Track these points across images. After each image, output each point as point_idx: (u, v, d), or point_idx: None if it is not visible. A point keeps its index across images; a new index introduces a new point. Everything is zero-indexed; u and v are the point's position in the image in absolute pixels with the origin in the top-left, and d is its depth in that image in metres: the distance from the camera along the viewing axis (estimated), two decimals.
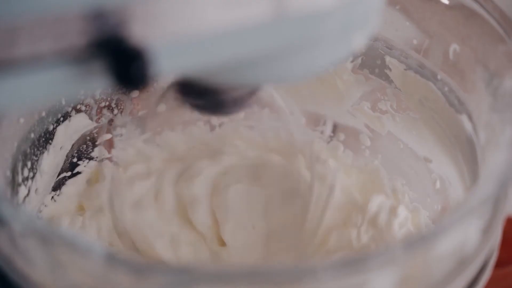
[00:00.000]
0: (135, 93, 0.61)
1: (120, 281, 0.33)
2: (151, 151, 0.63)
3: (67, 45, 0.27)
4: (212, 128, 0.65)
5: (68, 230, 0.37)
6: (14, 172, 0.49)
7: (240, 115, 0.65)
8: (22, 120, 0.50)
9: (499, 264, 0.45)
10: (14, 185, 0.49)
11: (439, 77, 0.53)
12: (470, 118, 0.50)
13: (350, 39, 0.35)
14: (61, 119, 0.56)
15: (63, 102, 0.55)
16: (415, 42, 0.55)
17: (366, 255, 0.35)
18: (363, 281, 0.36)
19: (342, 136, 0.64)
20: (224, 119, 0.65)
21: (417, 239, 0.37)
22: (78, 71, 0.28)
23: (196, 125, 0.65)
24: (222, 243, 0.58)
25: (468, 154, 0.50)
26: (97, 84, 0.28)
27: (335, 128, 0.64)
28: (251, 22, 0.31)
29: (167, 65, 0.29)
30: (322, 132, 0.64)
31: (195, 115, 0.64)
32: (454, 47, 0.51)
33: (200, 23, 0.29)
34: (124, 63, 0.27)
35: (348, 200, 0.60)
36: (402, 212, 0.58)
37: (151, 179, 0.59)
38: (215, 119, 0.65)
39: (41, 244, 0.35)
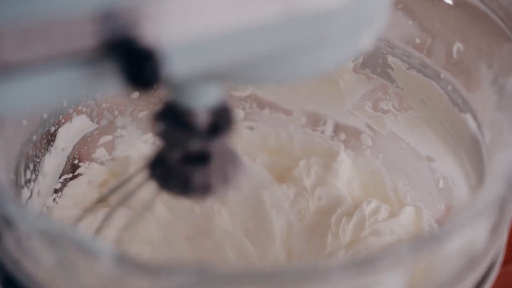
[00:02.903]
0: (135, 94, 0.61)
1: (132, 283, 0.33)
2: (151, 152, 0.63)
3: (78, 46, 0.27)
4: None
5: (78, 231, 0.36)
6: (17, 174, 0.48)
7: (240, 115, 0.65)
8: (25, 122, 0.50)
9: None
10: (17, 187, 0.48)
11: (442, 76, 0.53)
12: (474, 117, 0.50)
13: (358, 38, 0.35)
14: (63, 120, 0.56)
15: (65, 104, 0.55)
16: (417, 41, 0.55)
17: (375, 256, 0.35)
18: (372, 282, 0.36)
19: (343, 136, 0.64)
20: None
21: (426, 240, 0.37)
22: (90, 72, 0.27)
23: None
24: None
25: (472, 153, 0.50)
26: (109, 85, 0.28)
27: (336, 128, 0.64)
28: (260, 21, 0.30)
29: (179, 65, 0.29)
30: (322, 132, 0.64)
31: None
32: (457, 45, 0.51)
33: (210, 22, 0.29)
34: (136, 63, 0.27)
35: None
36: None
37: None
38: None
39: (50, 245, 0.34)
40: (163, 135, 0.36)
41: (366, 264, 0.34)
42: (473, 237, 0.39)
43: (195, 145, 0.36)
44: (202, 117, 0.35)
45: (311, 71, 0.36)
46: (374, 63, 0.59)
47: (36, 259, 0.36)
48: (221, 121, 0.36)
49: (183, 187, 0.37)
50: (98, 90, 0.28)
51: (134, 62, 0.27)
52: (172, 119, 0.35)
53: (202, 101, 0.35)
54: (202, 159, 0.36)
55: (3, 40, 0.26)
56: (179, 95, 0.35)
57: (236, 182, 0.38)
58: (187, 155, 0.36)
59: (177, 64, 0.29)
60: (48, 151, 0.54)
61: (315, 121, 0.64)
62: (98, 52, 0.27)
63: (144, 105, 0.62)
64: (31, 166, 0.51)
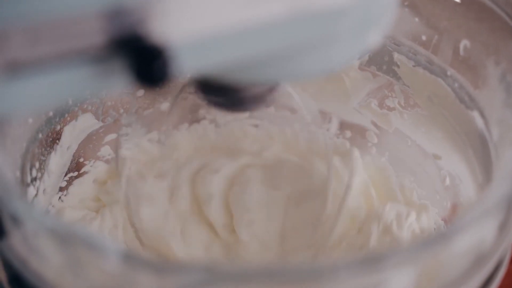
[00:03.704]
0: (140, 92, 0.61)
1: (140, 281, 0.33)
2: (156, 150, 0.63)
3: (87, 44, 0.27)
4: (218, 126, 0.65)
5: (86, 229, 0.36)
6: (23, 172, 0.48)
7: (245, 113, 0.65)
8: (30, 120, 0.50)
9: None
10: (23, 185, 0.48)
11: (448, 73, 0.53)
12: (481, 114, 0.50)
13: (366, 36, 0.35)
14: (68, 119, 0.55)
15: (70, 102, 0.55)
16: (424, 38, 0.54)
17: (385, 254, 0.34)
18: (381, 279, 0.36)
19: (348, 134, 0.64)
20: (229, 118, 0.65)
21: (435, 238, 0.37)
22: (99, 70, 0.27)
23: (201, 123, 0.65)
24: (236, 240, 0.58)
25: (479, 151, 0.50)
26: (118, 83, 0.28)
27: (341, 126, 0.64)
28: (269, 19, 0.30)
29: (188, 63, 0.29)
30: (328, 130, 0.64)
31: (200, 114, 0.64)
32: (464, 42, 0.51)
33: (219, 20, 0.29)
34: (145, 61, 0.27)
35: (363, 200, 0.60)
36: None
37: (167, 177, 0.59)
38: (220, 118, 0.65)
39: (58, 243, 0.34)
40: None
41: (373, 262, 0.34)
42: (481, 236, 0.39)
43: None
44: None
45: (320, 69, 0.35)
46: (380, 61, 0.58)
47: (44, 258, 0.36)
48: None
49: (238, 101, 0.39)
50: (106, 88, 0.28)
51: (143, 60, 0.27)
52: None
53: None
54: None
55: (13, 39, 0.25)
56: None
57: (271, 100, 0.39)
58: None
59: (186, 61, 0.29)
60: (53, 149, 0.54)
61: (320, 118, 0.64)
62: (107, 50, 0.27)
63: (149, 103, 0.62)
64: (37, 164, 0.51)
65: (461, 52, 0.51)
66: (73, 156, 0.58)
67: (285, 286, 0.35)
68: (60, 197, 0.57)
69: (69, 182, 0.58)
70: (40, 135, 0.51)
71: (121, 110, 0.60)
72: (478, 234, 0.38)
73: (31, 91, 0.26)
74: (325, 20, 0.32)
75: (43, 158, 0.52)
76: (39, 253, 0.36)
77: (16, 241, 0.37)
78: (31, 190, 0.51)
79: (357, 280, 0.35)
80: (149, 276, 0.33)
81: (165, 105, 0.62)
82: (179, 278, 0.32)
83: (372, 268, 0.34)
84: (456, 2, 0.51)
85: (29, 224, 0.35)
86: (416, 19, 0.54)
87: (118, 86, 0.28)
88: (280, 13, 0.30)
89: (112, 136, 0.61)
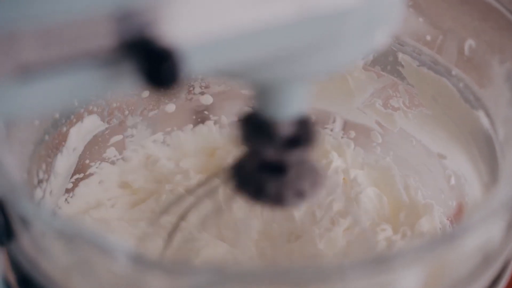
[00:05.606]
0: (145, 94, 0.61)
1: (148, 282, 0.33)
2: (161, 151, 0.63)
3: (97, 46, 0.27)
4: (222, 127, 0.65)
5: (94, 230, 0.36)
6: (30, 174, 0.48)
7: None
8: (37, 122, 0.50)
9: None
10: (30, 187, 0.49)
11: (453, 73, 0.53)
12: (487, 113, 0.50)
13: (373, 35, 0.35)
14: (74, 120, 0.56)
15: (76, 104, 0.55)
16: (428, 38, 0.54)
17: (393, 254, 0.35)
18: (389, 280, 0.36)
19: (352, 134, 0.64)
20: (234, 118, 0.65)
21: (442, 238, 0.37)
22: (108, 73, 0.27)
23: (205, 124, 0.65)
24: None
25: (485, 150, 0.50)
26: (127, 85, 0.28)
27: (345, 126, 0.64)
28: (277, 21, 0.30)
29: (197, 64, 0.29)
30: (332, 130, 0.64)
31: (205, 114, 0.64)
32: (469, 42, 0.51)
33: (227, 22, 0.29)
34: (155, 63, 0.27)
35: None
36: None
37: None
38: (225, 119, 0.65)
39: (67, 244, 0.34)
40: (244, 141, 0.37)
41: (381, 262, 0.34)
42: (489, 236, 0.39)
43: (273, 154, 0.36)
44: (283, 128, 0.36)
45: (326, 69, 0.35)
46: (384, 61, 0.58)
47: (52, 259, 0.36)
48: (301, 134, 0.36)
49: (257, 193, 0.37)
50: (115, 90, 0.28)
51: (153, 62, 0.27)
52: (254, 127, 0.36)
53: (284, 112, 0.36)
54: (278, 169, 0.37)
55: (23, 42, 0.25)
56: (261, 104, 0.36)
57: (312, 196, 0.38)
58: (265, 163, 0.37)
59: (195, 63, 0.29)
60: (59, 151, 0.54)
61: (324, 118, 0.64)
62: (116, 52, 0.27)
63: (154, 104, 0.62)
64: (44, 166, 0.51)
65: (466, 51, 0.51)
66: (79, 157, 0.58)
67: (293, 286, 0.35)
68: (66, 199, 0.57)
69: (75, 183, 0.58)
70: (46, 137, 0.52)
71: (126, 112, 0.60)
72: (486, 234, 0.38)
73: (41, 93, 0.26)
74: (332, 21, 0.32)
75: (49, 160, 0.53)
76: (47, 254, 0.36)
77: (24, 242, 0.37)
78: (38, 192, 0.51)
79: (365, 280, 0.35)
80: (159, 277, 0.33)
81: (170, 106, 0.63)
82: (188, 279, 0.32)
83: (379, 268, 0.34)
84: (461, 2, 0.51)
85: (38, 225, 0.35)
86: (421, 19, 0.54)
87: (128, 88, 0.28)
88: (287, 14, 0.30)
89: (117, 138, 0.61)
